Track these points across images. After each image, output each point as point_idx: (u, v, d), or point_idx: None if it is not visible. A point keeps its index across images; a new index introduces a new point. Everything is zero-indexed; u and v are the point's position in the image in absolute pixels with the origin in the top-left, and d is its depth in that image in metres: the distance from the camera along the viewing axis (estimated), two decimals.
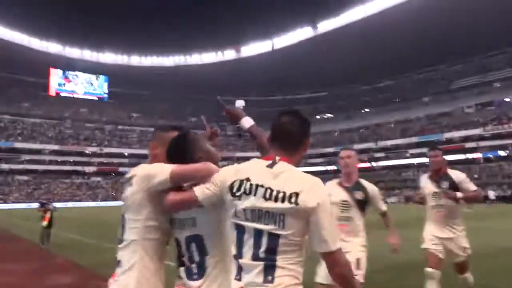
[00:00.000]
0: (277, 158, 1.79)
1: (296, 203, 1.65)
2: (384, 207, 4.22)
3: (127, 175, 2.09)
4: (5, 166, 75.32)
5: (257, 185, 1.73)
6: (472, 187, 4.67)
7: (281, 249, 1.65)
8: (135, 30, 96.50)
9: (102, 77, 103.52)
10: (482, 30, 72.60)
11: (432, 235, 4.66)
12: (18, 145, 78.54)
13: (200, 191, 1.86)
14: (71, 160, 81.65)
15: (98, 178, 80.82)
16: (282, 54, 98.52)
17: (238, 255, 1.72)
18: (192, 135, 2.09)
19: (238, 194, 1.76)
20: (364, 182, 4.12)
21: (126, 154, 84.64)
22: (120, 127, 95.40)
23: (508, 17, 68.59)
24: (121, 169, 77.78)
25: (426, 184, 4.86)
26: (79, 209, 49.36)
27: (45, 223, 12.72)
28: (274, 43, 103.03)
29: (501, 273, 7.09)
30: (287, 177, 1.72)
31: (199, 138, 2.10)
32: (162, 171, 1.93)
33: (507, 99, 68.35)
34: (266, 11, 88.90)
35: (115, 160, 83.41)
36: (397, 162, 74.57)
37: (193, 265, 1.89)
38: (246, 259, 1.68)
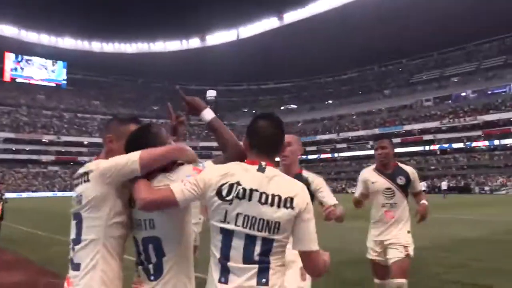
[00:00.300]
0: (263, 163, 1.77)
1: (292, 207, 1.68)
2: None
3: (80, 171, 1.92)
4: None
5: (251, 190, 1.69)
6: (420, 187, 4.31)
7: (274, 251, 1.68)
8: (96, 14, 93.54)
9: (60, 63, 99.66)
10: (442, 26, 74.90)
11: (375, 241, 4.18)
12: None
13: (180, 193, 1.71)
14: (27, 149, 78.51)
15: (56, 168, 78.27)
16: (248, 43, 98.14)
17: (224, 258, 1.67)
18: (155, 129, 1.96)
19: (228, 198, 1.69)
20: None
21: (85, 142, 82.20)
22: (79, 115, 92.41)
23: (467, 15, 71.03)
24: (80, 158, 75.62)
25: (376, 178, 4.16)
26: (35, 199, 47.52)
27: None
28: (239, 33, 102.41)
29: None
30: (280, 181, 1.73)
31: (162, 132, 1.97)
32: (129, 159, 1.79)
33: (464, 94, 70.97)
34: (232, 0, 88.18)
35: (74, 149, 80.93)
36: (359, 153, 76.08)
37: (150, 266, 1.81)
38: (235, 262, 1.65)
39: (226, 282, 1.64)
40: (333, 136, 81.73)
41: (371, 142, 75.41)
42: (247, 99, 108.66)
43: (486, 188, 50.92)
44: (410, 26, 78.30)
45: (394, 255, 3.92)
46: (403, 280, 3.84)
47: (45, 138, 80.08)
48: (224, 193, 1.69)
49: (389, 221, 4.06)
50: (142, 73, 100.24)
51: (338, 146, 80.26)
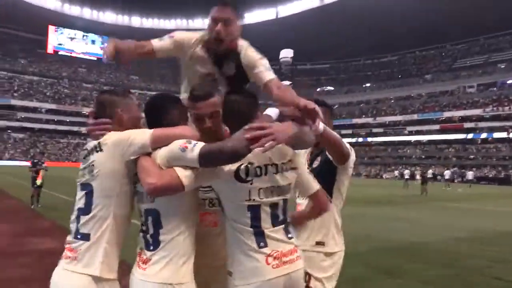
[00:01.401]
0: None
1: (294, 168, 1.99)
2: None
3: (95, 141, 1.92)
4: (1, 123, 74.83)
5: (265, 165, 1.87)
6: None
7: (287, 209, 1.98)
8: None
9: (101, 37, 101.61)
10: (489, 10, 71.16)
11: None
12: (14, 102, 77.79)
13: (188, 179, 1.75)
14: (68, 120, 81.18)
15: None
16: (286, 23, 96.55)
17: (257, 228, 1.85)
18: (179, 103, 2.03)
19: (248, 179, 1.84)
20: None
21: None
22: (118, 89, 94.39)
23: None
24: None
25: None
26: (75, 169, 49.24)
27: (39, 181, 12.52)
28: (278, 11, 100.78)
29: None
30: (276, 150, 1.84)
31: (181, 109, 2.00)
32: (142, 134, 1.84)
33: (510, 81, 67.58)
34: None
35: None
36: (395, 138, 74.51)
37: (148, 236, 1.86)
38: (267, 229, 1.86)
39: (266, 245, 1.84)
40: (369, 120, 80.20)
41: (408, 128, 73.58)
42: (282, 79, 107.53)
43: None
44: (455, 9, 74.69)
45: None
46: None
47: (85, 110, 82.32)
48: (242, 175, 1.83)
49: None
50: None
51: (374, 130, 78.73)
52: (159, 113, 1.93)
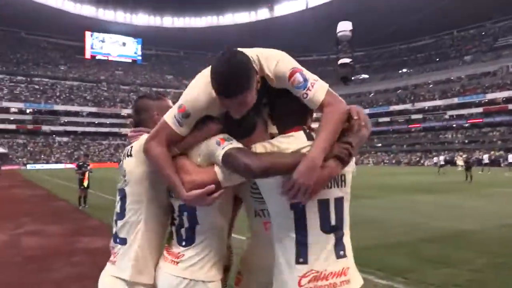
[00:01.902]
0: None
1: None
2: None
3: (128, 147, 1.95)
4: (46, 128, 78.16)
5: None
6: None
7: (344, 213, 1.66)
8: None
9: (135, 39, 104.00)
10: None
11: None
12: (57, 107, 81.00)
13: (223, 175, 1.62)
14: (108, 122, 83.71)
15: None
16: (317, 12, 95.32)
17: (302, 233, 1.57)
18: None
19: None
20: None
21: None
22: (154, 89, 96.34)
23: None
24: None
25: None
26: (117, 170, 50.73)
27: (85, 182, 13.05)
28: (308, 1, 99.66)
29: None
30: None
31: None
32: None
33: None
34: None
35: None
36: (435, 124, 72.44)
37: (182, 230, 1.77)
38: (313, 236, 1.58)
39: (306, 262, 1.53)
40: (407, 106, 78.23)
41: (449, 112, 71.24)
42: (316, 69, 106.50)
43: None
44: None
45: None
46: None
47: (124, 112, 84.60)
48: None
49: None
50: (211, 47, 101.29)
51: (413, 117, 76.74)
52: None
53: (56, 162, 69.20)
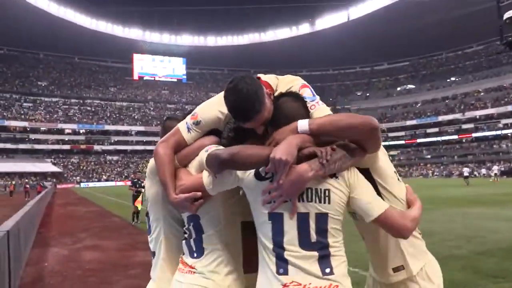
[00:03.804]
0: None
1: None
2: None
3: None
4: (97, 147, 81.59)
5: None
6: None
7: (328, 230, 1.60)
8: (210, 10, 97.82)
9: (180, 59, 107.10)
10: None
11: None
12: (108, 127, 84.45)
13: (208, 179, 1.68)
14: (155, 140, 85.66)
15: None
16: (359, 24, 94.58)
17: (279, 245, 1.54)
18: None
19: (268, 175, 1.53)
20: None
21: None
22: None
23: None
24: None
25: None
26: None
27: (139, 205, 13.17)
28: (349, 14, 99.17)
29: None
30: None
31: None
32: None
33: None
34: None
35: None
36: (488, 133, 69.34)
37: (192, 241, 1.81)
38: (292, 251, 1.53)
39: (286, 273, 1.49)
40: (457, 116, 75.48)
41: (503, 121, 68.09)
42: (360, 81, 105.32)
43: None
44: None
45: None
46: None
47: None
48: (262, 171, 1.55)
49: None
50: (254, 63, 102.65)
51: (464, 126, 73.89)
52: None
53: (107, 180, 71.85)
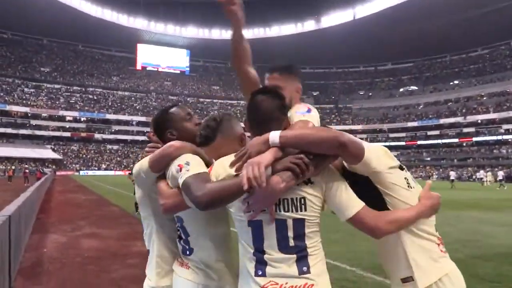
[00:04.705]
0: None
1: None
2: None
3: None
4: (98, 136, 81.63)
5: None
6: None
7: (305, 234, 1.66)
8: (216, 3, 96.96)
9: (184, 51, 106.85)
10: None
11: None
12: (109, 116, 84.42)
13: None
14: None
15: None
16: (365, 23, 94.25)
17: (259, 249, 1.62)
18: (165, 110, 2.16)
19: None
20: None
21: None
22: (201, 99, 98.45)
23: None
24: None
25: None
26: None
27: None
28: (355, 12, 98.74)
29: None
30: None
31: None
32: (145, 161, 1.92)
33: None
34: None
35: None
36: (489, 138, 69.31)
37: (182, 241, 1.89)
38: (271, 254, 1.61)
39: (264, 275, 1.56)
40: (459, 119, 75.45)
41: (504, 126, 68.08)
42: (363, 81, 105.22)
43: None
44: None
45: None
46: None
47: None
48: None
49: None
50: (258, 58, 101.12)
51: (465, 130, 73.88)
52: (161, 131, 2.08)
53: (106, 169, 71.94)
